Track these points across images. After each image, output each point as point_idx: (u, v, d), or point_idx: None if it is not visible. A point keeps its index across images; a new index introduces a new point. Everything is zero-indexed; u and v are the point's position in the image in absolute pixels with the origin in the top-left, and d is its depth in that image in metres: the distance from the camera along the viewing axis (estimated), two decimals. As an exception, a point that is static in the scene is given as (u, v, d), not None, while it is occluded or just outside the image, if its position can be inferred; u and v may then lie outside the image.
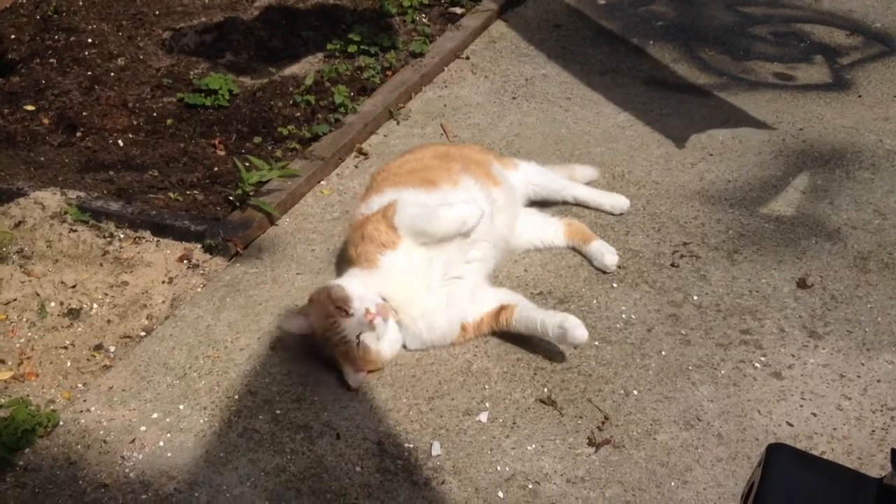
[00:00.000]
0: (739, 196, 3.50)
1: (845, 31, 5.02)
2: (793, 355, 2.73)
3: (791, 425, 2.48)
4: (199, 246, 3.13)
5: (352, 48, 4.51)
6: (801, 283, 3.02)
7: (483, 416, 2.50)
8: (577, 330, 2.58)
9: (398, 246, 2.67)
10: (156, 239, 3.17)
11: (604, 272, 3.07)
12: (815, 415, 2.51)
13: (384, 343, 2.60)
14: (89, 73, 4.24)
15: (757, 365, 2.69)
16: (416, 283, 2.67)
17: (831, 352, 2.74)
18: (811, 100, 4.28)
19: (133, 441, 2.40)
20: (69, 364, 2.67)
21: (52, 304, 2.88)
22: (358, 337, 2.52)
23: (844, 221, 3.35)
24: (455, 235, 2.70)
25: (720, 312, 2.90)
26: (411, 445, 2.41)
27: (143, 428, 2.44)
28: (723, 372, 2.66)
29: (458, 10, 5.07)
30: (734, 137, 3.94)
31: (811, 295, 2.98)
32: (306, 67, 4.41)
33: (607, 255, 3.07)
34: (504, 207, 3.02)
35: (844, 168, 3.70)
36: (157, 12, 4.86)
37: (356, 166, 3.70)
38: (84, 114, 3.94)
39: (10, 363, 2.65)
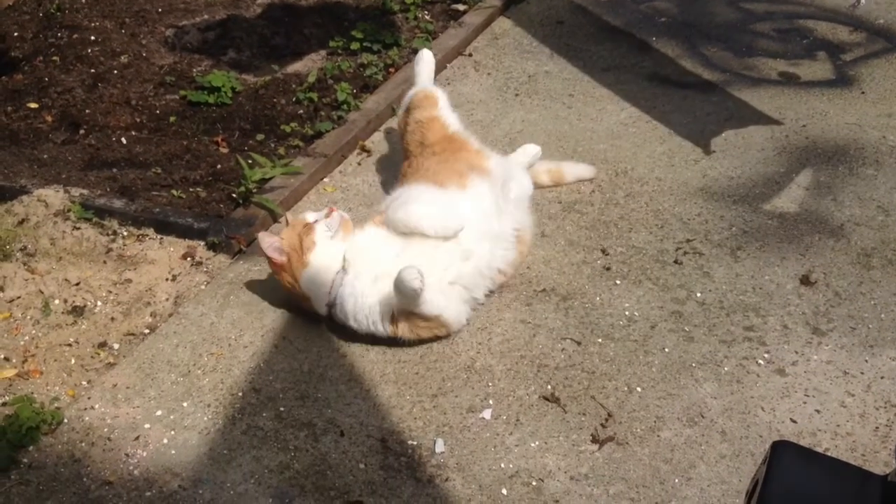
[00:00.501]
0: (742, 193, 3.50)
1: (848, 28, 5.01)
2: (796, 352, 2.73)
3: (795, 422, 2.48)
4: (202, 243, 3.14)
5: (354, 45, 4.50)
6: (805, 280, 3.02)
7: (486, 414, 2.50)
8: (408, 273, 2.53)
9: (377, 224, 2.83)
10: (159, 236, 3.17)
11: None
12: (818, 412, 2.51)
13: (324, 247, 2.75)
14: (92, 70, 4.25)
15: (760, 362, 2.69)
16: (370, 264, 2.71)
17: (835, 348, 2.74)
18: (814, 96, 4.28)
19: (137, 438, 2.40)
20: (73, 362, 2.68)
21: (56, 301, 2.88)
22: (314, 222, 2.80)
23: (848, 218, 3.35)
24: (415, 233, 2.73)
25: (723, 309, 2.90)
26: (415, 442, 2.41)
27: (147, 425, 2.44)
28: (726, 369, 2.66)
29: (461, 7, 5.06)
30: (737, 134, 3.93)
31: (815, 292, 2.98)
32: (309, 65, 4.41)
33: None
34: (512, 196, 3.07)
35: (848, 165, 3.70)
36: (160, 10, 4.85)
37: (359, 163, 3.70)
38: (87, 111, 3.94)
39: (14, 361, 2.66)
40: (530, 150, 3.39)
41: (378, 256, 2.72)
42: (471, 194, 2.89)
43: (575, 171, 3.55)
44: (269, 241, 2.77)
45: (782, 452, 1.32)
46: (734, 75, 4.49)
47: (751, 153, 3.78)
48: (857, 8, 5.03)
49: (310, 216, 2.85)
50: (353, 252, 2.74)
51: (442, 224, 2.72)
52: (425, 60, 3.59)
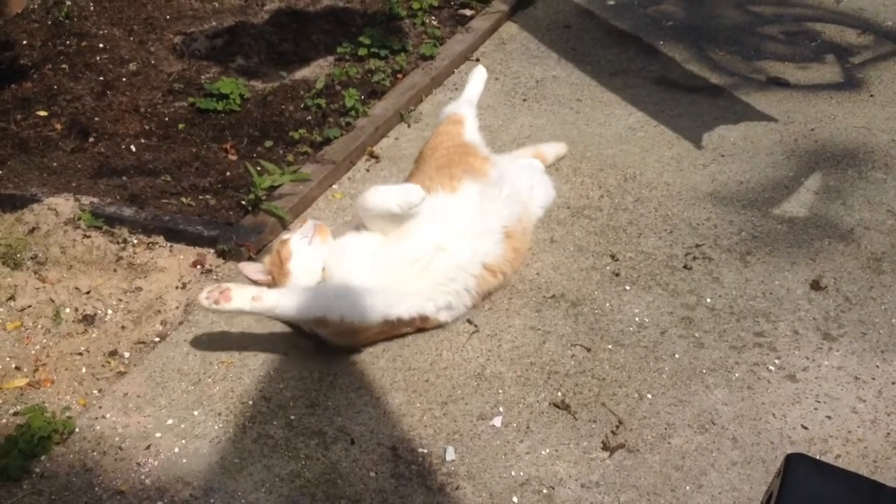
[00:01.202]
0: (752, 197, 3.50)
1: (856, 30, 5.00)
2: (807, 358, 2.72)
3: (806, 428, 2.47)
4: (212, 251, 3.14)
5: (362, 51, 4.51)
6: (815, 285, 3.01)
7: (497, 421, 2.50)
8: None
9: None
10: (169, 244, 3.18)
11: None
12: (829, 418, 2.51)
13: (301, 253, 2.75)
14: (101, 78, 4.26)
15: (771, 368, 2.68)
16: (345, 271, 2.74)
17: (845, 354, 2.74)
18: (823, 99, 4.27)
19: (148, 447, 2.41)
20: (84, 370, 2.68)
21: (67, 310, 2.89)
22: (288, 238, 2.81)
23: (857, 222, 3.34)
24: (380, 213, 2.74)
25: (733, 315, 2.89)
26: (425, 450, 2.41)
27: (158, 434, 2.45)
28: (737, 375, 2.66)
29: (468, 12, 5.07)
30: (746, 138, 3.93)
31: (825, 297, 2.97)
32: (317, 71, 4.41)
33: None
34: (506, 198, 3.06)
35: (857, 168, 3.69)
36: (168, 17, 4.87)
37: (368, 170, 3.71)
38: (96, 119, 3.95)
39: (25, 370, 2.67)
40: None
41: (354, 262, 2.71)
42: (458, 196, 2.91)
43: (553, 150, 3.70)
44: (250, 266, 2.86)
45: (796, 465, 1.32)
46: (742, 79, 4.48)
47: (759, 157, 3.78)
48: (840, 3, 5.04)
49: (285, 235, 2.88)
50: (331, 260, 2.75)
51: (401, 194, 2.72)
52: (477, 75, 3.78)
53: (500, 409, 2.54)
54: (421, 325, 2.78)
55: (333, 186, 3.59)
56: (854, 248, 3.20)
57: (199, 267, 3.09)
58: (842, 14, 5.19)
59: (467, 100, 3.65)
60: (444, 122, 3.45)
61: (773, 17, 5.20)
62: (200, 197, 3.42)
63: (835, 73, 4.55)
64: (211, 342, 2.77)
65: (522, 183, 3.19)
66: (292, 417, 2.51)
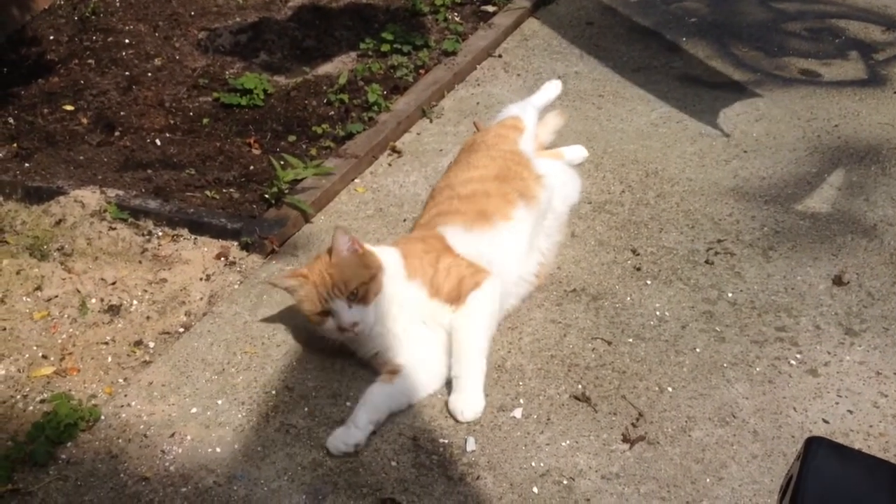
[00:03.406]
0: (774, 193, 3.49)
1: (881, 27, 4.97)
2: (829, 352, 2.71)
3: (827, 422, 2.47)
4: (235, 243, 3.17)
5: (385, 47, 4.53)
6: (837, 280, 3.00)
7: (517, 413, 2.51)
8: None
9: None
10: (193, 237, 3.21)
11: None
12: (851, 412, 2.50)
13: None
14: (127, 73, 4.30)
15: (792, 362, 2.68)
16: None
17: (867, 349, 2.73)
18: (846, 96, 4.25)
19: (173, 435, 2.43)
20: (110, 359, 2.72)
21: (93, 300, 2.93)
22: None
23: (880, 218, 3.33)
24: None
25: (755, 309, 2.89)
26: (446, 441, 2.42)
27: (182, 422, 2.48)
28: (758, 369, 2.65)
29: (491, 9, 5.08)
30: (768, 134, 3.92)
31: (847, 292, 2.96)
32: (340, 66, 4.44)
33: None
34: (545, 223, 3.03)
35: (880, 164, 3.67)
36: (193, 13, 4.91)
37: (390, 164, 3.73)
38: (122, 113, 3.99)
39: (52, 359, 2.71)
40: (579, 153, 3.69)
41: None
42: (510, 230, 2.83)
43: (548, 129, 3.68)
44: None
45: (816, 448, 1.32)
46: (765, 75, 4.47)
47: (782, 153, 3.77)
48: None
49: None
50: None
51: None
52: (551, 86, 3.84)
53: (521, 400, 2.55)
54: None
55: (356, 180, 3.61)
56: (877, 244, 3.18)
57: (222, 259, 3.12)
58: (866, 11, 5.16)
59: (534, 105, 3.61)
60: (505, 122, 3.41)
61: (796, 14, 5.18)
62: (224, 190, 3.45)
63: (859, 69, 4.53)
64: (234, 332, 2.80)
65: (560, 202, 3.16)
66: (314, 407, 2.53)
